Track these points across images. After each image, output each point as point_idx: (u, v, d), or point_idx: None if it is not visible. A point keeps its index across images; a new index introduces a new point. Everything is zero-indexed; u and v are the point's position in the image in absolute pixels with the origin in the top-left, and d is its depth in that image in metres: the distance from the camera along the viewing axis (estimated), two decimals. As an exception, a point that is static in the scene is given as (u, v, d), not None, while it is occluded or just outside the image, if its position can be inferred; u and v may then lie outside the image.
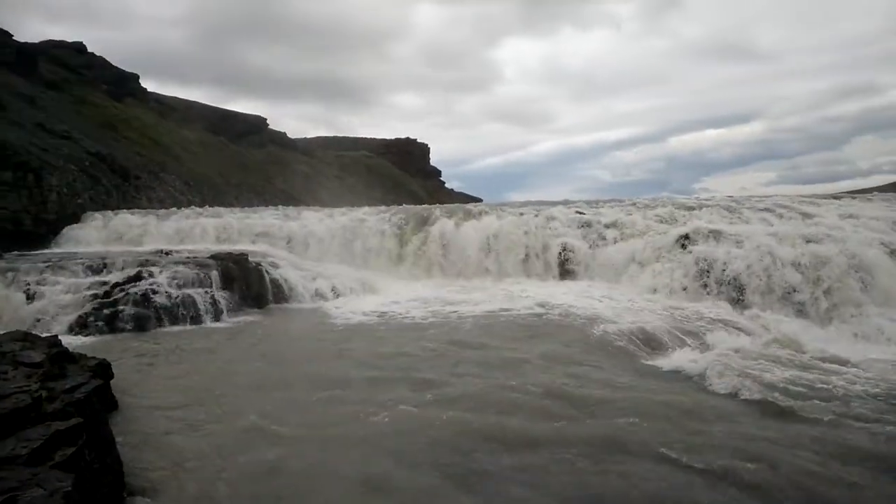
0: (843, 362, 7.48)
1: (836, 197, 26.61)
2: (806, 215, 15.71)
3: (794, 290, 10.83)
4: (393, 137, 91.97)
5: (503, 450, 4.82)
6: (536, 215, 16.16)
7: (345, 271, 14.69)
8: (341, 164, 68.96)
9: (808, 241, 11.84)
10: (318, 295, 12.83)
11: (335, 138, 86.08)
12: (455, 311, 10.89)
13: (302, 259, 15.94)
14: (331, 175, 62.61)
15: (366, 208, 22.94)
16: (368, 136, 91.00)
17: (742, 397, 6.04)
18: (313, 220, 18.83)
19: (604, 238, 14.61)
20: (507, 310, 10.83)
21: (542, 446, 4.86)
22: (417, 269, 16.08)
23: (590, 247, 14.57)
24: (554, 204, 19.68)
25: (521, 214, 16.34)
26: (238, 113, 60.87)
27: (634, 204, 17.97)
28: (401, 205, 29.16)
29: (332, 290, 13.14)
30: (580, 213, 16.13)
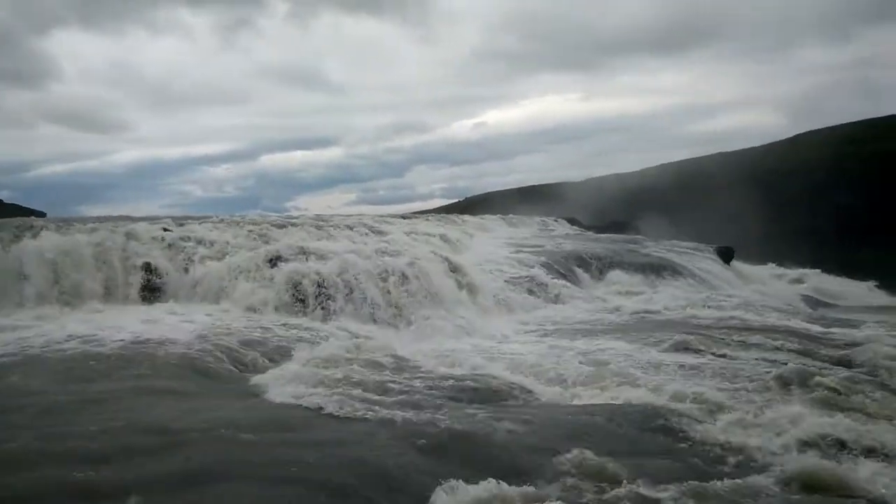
0: (412, 360, 8.62)
1: (403, 217, 31.03)
2: (380, 232, 17.81)
3: (373, 300, 12.09)
4: None
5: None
6: (113, 232, 14.36)
7: None
8: None
9: (383, 255, 13.40)
10: None
11: None
12: (10, 350, 8.82)
13: None
14: None
15: None
16: None
17: (319, 405, 6.34)
18: None
19: (193, 257, 13.84)
20: (81, 343, 9.25)
21: (132, 491, 4.28)
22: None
23: (178, 266, 13.61)
24: (137, 220, 17.87)
25: (94, 231, 14.31)
26: None
27: (224, 220, 17.60)
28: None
29: None
30: (166, 230, 14.97)
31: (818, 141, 44.89)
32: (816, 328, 11.56)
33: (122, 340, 9.36)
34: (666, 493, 4.51)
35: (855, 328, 11.54)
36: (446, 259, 14.46)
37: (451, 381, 7.44)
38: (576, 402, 7.19)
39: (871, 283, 20.77)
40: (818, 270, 22.60)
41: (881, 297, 19.69)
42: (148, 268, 13.35)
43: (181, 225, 16.13)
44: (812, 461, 5.11)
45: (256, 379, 7.82)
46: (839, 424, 5.94)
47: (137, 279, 13.22)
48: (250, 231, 15.78)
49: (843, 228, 31.72)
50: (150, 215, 23.07)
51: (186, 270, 13.57)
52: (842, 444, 5.60)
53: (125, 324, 10.76)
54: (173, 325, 10.65)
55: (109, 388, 7.11)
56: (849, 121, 47.82)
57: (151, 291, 13.16)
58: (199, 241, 14.38)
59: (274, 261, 13.18)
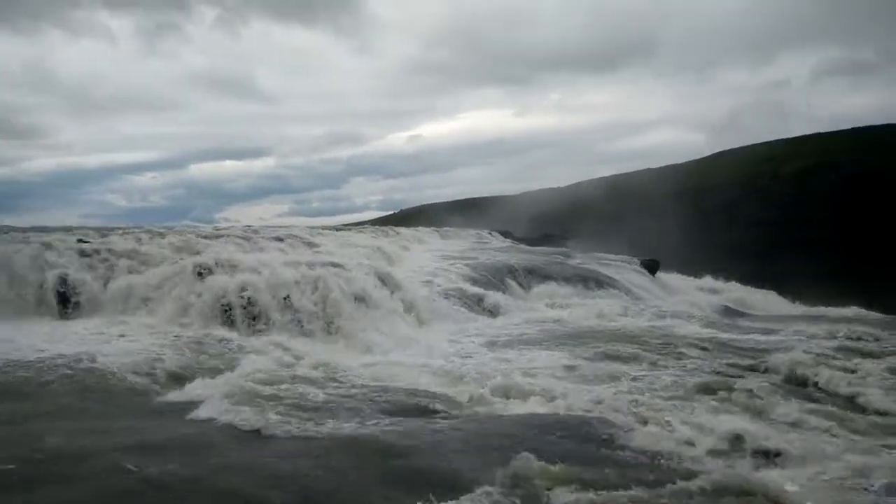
0: (345, 373, 8.48)
1: (338, 228, 30.71)
2: (312, 244, 17.55)
3: (304, 313, 11.84)
4: None
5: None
6: (26, 243, 13.55)
7: None
8: None
9: (315, 268, 13.16)
10: None
11: None
12: None
13: None
14: None
15: None
16: None
17: (249, 423, 6.15)
18: None
19: (114, 269, 13.20)
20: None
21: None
22: None
23: (97, 279, 12.94)
24: (53, 230, 16.96)
25: (3, 241, 13.48)
26: None
27: (149, 232, 16.92)
28: None
29: None
30: (84, 241, 14.24)
31: (737, 158, 47.45)
32: (734, 337, 12.12)
33: (34, 358, 8.80)
34: (595, 501, 4.58)
35: (770, 336, 12.16)
36: (381, 271, 14.35)
37: (385, 395, 7.36)
38: (510, 413, 7.23)
39: (779, 295, 22.21)
40: (736, 282, 23.77)
41: (792, 307, 20.92)
42: (64, 281, 12.63)
43: (104, 236, 15.42)
44: (731, 466, 5.32)
45: (181, 397, 7.50)
46: (757, 429, 6.22)
47: (53, 293, 12.49)
48: (175, 242, 15.22)
49: (760, 242, 33.51)
50: (68, 225, 21.95)
51: (106, 283, 12.93)
52: (760, 449, 5.86)
53: (38, 340, 10.14)
54: (91, 340, 10.12)
55: (21, 409, 6.67)
56: (765, 140, 50.88)
57: (68, 306, 12.46)
58: (121, 253, 13.75)
59: (201, 273, 12.74)
